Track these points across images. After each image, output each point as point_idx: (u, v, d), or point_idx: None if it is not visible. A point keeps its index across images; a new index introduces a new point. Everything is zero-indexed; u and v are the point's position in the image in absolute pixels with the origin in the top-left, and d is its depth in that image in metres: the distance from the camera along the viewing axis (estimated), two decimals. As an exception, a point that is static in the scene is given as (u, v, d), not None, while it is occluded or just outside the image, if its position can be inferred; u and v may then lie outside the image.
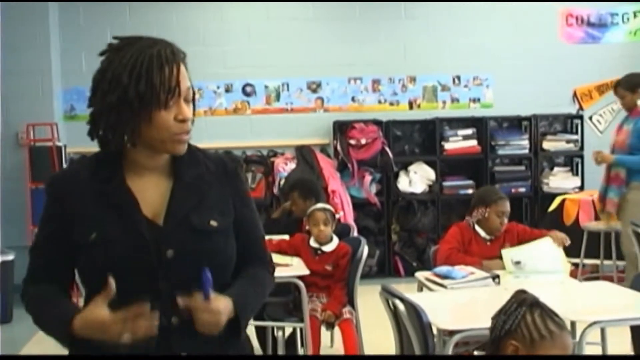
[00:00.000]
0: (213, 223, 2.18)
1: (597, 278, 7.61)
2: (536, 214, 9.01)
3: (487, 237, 5.16)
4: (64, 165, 8.22)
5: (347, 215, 8.37)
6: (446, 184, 8.96)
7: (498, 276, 4.56)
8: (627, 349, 4.54)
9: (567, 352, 2.47)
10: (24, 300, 2.22)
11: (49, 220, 2.19)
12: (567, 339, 2.47)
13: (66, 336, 2.05)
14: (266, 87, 8.98)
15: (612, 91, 9.27)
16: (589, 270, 8.14)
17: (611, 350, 4.77)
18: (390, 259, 8.92)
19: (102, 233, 2.09)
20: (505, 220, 5.18)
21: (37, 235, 2.23)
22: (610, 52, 9.17)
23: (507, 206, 5.20)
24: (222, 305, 2.06)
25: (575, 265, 7.68)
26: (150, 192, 2.16)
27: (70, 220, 2.13)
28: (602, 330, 4.68)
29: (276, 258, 5.14)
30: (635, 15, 8.01)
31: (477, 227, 5.18)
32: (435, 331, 3.90)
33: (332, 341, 6.09)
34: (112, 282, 1.99)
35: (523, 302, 2.50)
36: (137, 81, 2.05)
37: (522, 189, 9.04)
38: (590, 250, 7.80)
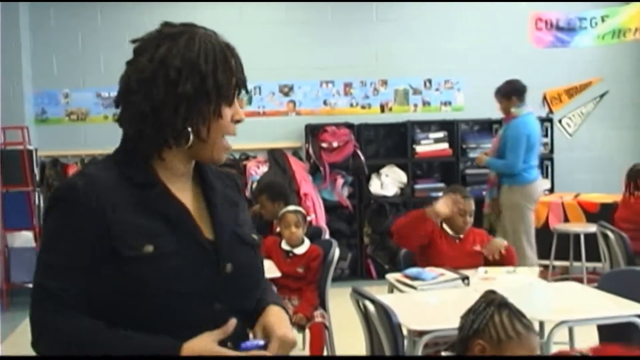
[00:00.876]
0: (254, 236, 2.02)
1: (567, 279, 7.66)
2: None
3: (455, 235, 5.19)
4: (35, 170, 8.16)
5: (319, 218, 8.38)
6: (418, 186, 9.00)
7: (467, 277, 4.59)
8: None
9: (534, 352, 2.50)
10: (47, 336, 1.80)
11: (80, 236, 1.80)
12: (533, 340, 2.50)
13: None
14: (238, 90, 8.95)
15: (581, 94, 9.43)
16: (559, 272, 8.20)
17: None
18: (363, 261, 8.94)
19: (159, 245, 1.80)
20: (469, 219, 5.21)
21: (58, 255, 1.81)
22: (579, 56, 9.24)
23: (470, 205, 5.23)
24: (290, 333, 1.90)
25: (545, 267, 7.75)
26: (186, 201, 1.92)
27: (108, 232, 1.80)
28: (570, 330, 4.72)
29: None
30: (603, 20, 8.08)
31: (444, 226, 5.21)
32: (405, 332, 3.92)
33: (303, 344, 6.09)
34: (233, 322, 1.81)
35: (492, 302, 2.52)
36: (214, 70, 1.86)
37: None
38: (560, 252, 7.86)
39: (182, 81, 1.83)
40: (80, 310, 1.78)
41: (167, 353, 1.73)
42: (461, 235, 5.19)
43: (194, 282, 1.82)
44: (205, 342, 1.75)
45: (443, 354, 2.58)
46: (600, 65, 9.38)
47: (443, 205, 5.06)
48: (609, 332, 4.32)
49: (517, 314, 2.51)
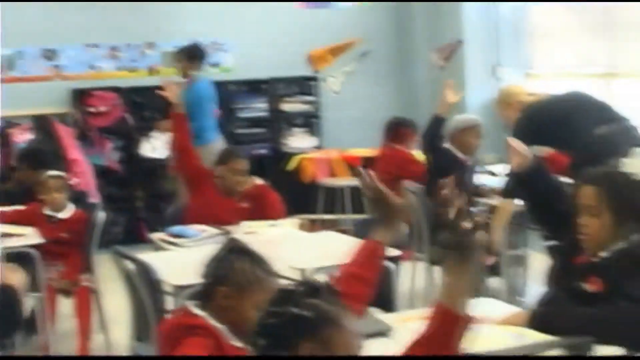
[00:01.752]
0: None
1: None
2: (277, 174, 9.20)
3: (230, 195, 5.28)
4: None
5: (89, 183, 8.20)
6: (189, 148, 8.98)
7: (229, 232, 4.67)
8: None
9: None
10: None
11: None
12: (275, 284, 2.58)
13: None
14: (-1, 56, 8.61)
15: (345, 54, 9.69)
16: (329, 225, 8.45)
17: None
18: (136, 225, 8.85)
19: None
20: (243, 179, 5.30)
21: None
22: (340, 16, 9.49)
23: (242, 164, 5.32)
24: None
25: (313, 221, 7.99)
26: None
27: None
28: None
29: (10, 229, 5.06)
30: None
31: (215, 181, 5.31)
32: (172, 289, 3.93)
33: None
34: None
35: (233, 249, 2.58)
36: None
37: (263, 150, 9.23)
38: (328, 206, 8.12)
39: None
40: None
41: None
42: (238, 196, 5.29)
43: None
44: None
45: (188, 303, 2.62)
46: (361, 25, 9.66)
47: None
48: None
49: (257, 260, 2.58)
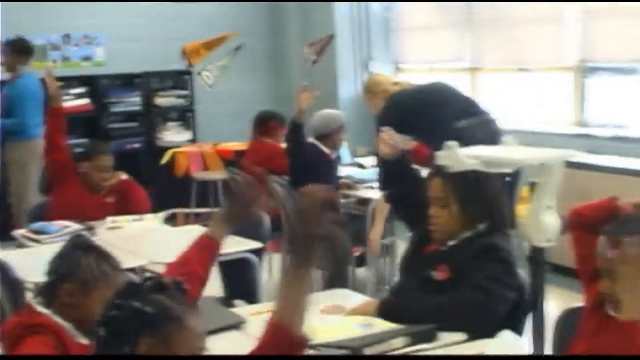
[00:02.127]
0: None
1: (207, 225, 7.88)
2: (151, 168, 9.10)
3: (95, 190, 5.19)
4: None
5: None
6: (61, 142, 8.78)
7: (93, 227, 4.61)
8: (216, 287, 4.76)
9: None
10: None
11: None
12: (120, 278, 2.56)
13: None
14: None
15: (219, 48, 9.67)
16: (204, 219, 8.40)
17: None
18: (8, 220, 8.59)
19: None
20: (107, 174, 5.21)
21: None
22: (213, 10, 9.45)
23: (106, 160, 5.23)
24: None
25: (187, 215, 7.94)
26: None
27: None
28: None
29: None
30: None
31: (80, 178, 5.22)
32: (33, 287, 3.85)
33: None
34: None
35: (78, 245, 2.54)
36: None
37: (137, 145, 9.12)
38: (202, 199, 8.07)
39: None
40: None
41: None
42: (104, 192, 5.21)
43: None
44: None
45: (32, 301, 2.56)
46: (236, 19, 9.64)
47: None
48: (231, 269, 4.53)
49: (103, 255, 2.55)
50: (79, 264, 2.49)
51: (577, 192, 5.59)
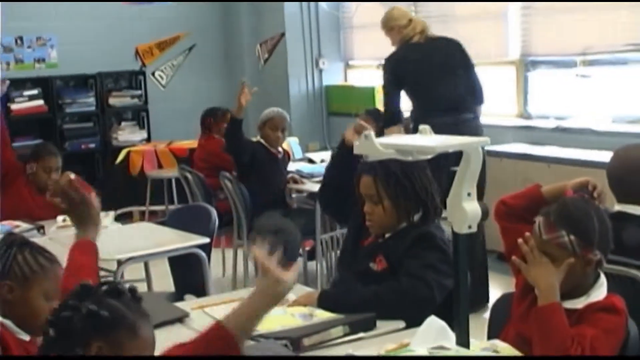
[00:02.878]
0: None
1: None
2: (107, 167, 9.05)
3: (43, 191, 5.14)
4: None
5: None
6: (16, 144, 8.65)
7: (43, 227, 4.57)
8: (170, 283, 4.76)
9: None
10: None
11: None
12: (58, 271, 2.54)
13: None
14: None
15: (172, 48, 9.64)
16: (160, 216, 8.36)
17: (156, 285, 4.97)
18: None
19: None
20: (55, 175, 5.16)
21: None
22: (167, 11, 9.41)
23: (54, 162, 5.20)
24: None
25: (142, 212, 7.91)
26: None
27: None
28: (146, 265, 4.88)
29: None
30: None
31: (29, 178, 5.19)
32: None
33: None
34: None
35: (12, 243, 2.51)
36: None
37: (92, 145, 9.04)
38: (157, 197, 8.04)
39: None
40: None
41: None
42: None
43: None
44: None
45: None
46: (188, 19, 9.61)
47: None
48: (179, 264, 4.52)
49: (39, 250, 2.53)
50: (15, 260, 2.46)
51: (521, 182, 5.71)
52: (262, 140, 6.06)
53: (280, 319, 2.80)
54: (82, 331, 1.87)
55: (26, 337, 2.44)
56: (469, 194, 1.78)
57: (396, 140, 1.92)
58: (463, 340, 1.99)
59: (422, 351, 2.23)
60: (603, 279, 2.59)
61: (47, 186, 5.07)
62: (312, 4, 9.21)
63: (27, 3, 8.84)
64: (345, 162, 3.28)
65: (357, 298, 2.93)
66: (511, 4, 7.07)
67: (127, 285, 2.03)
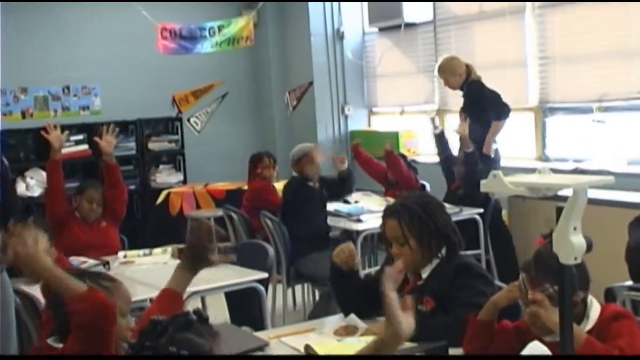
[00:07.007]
0: None
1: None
2: (147, 208, 9.06)
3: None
4: None
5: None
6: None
7: (108, 262, 4.55)
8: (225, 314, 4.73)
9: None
10: None
11: None
12: (122, 288, 2.58)
13: None
14: None
15: (206, 95, 9.69)
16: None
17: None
18: (12, 260, 8.49)
19: None
20: (96, 207, 5.25)
21: None
22: (201, 61, 9.47)
23: (94, 192, 5.33)
24: None
25: (181, 249, 7.86)
26: None
27: None
28: (202, 299, 4.86)
29: None
30: (219, 30, 8.37)
31: (76, 212, 5.34)
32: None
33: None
34: None
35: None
36: None
37: (132, 186, 9.03)
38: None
39: None
40: None
41: None
42: (93, 220, 5.22)
43: None
44: None
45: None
46: (221, 69, 9.68)
47: None
48: (236, 297, 4.50)
49: (97, 275, 2.59)
50: None
51: (543, 221, 5.74)
52: (297, 175, 6.03)
53: (355, 346, 2.78)
54: None
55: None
56: (574, 228, 1.78)
57: (524, 179, 1.93)
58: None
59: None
60: (590, 296, 2.59)
61: (91, 214, 5.18)
62: (337, 54, 9.28)
63: (73, 52, 8.93)
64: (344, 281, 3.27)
65: (427, 328, 2.89)
66: (529, 52, 7.11)
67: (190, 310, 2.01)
